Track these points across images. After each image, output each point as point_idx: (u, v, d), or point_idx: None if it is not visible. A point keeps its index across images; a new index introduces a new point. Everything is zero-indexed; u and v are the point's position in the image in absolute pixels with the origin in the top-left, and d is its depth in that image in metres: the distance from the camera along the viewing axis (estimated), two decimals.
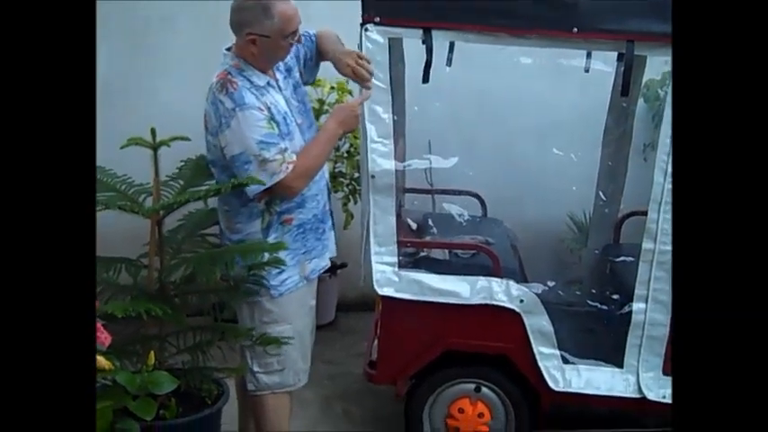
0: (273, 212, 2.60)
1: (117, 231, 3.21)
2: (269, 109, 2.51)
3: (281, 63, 2.65)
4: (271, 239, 2.59)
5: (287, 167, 2.47)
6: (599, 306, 3.15)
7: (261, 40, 2.48)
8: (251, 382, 2.69)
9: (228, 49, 2.61)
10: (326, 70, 4.00)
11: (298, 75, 2.75)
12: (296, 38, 2.56)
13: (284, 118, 2.56)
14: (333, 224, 2.84)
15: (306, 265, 2.68)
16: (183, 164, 2.74)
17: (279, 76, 2.65)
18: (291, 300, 2.66)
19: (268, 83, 2.58)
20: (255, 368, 2.67)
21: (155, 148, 2.56)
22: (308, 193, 2.63)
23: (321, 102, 4.16)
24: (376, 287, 2.83)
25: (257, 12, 2.46)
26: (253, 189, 2.48)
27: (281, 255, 2.54)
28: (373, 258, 2.82)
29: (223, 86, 2.48)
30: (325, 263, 2.79)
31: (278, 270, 2.58)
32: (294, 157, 2.50)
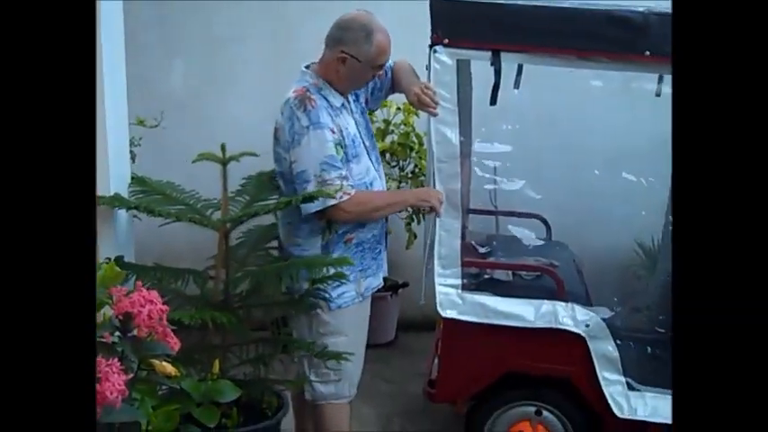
0: (334, 231, 2.65)
1: (182, 244, 3.31)
2: (341, 132, 2.58)
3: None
4: (332, 256, 2.64)
5: (341, 196, 2.52)
6: (667, 333, 3.07)
7: (351, 61, 2.57)
8: (308, 391, 2.74)
9: (307, 67, 2.68)
10: None
11: (363, 101, 2.82)
12: (380, 72, 2.66)
13: (353, 140, 2.62)
14: (386, 245, 2.88)
15: (361, 282, 2.73)
16: (246, 180, 2.80)
17: (350, 98, 2.72)
18: (348, 313, 2.71)
19: (343, 104, 2.65)
20: (312, 377, 2.72)
21: (224, 163, 2.62)
22: None
23: (387, 122, 4.20)
24: (439, 309, 2.82)
25: (359, 34, 2.55)
26: (306, 207, 2.54)
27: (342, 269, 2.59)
28: (437, 280, 2.81)
29: (302, 103, 2.55)
30: (378, 281, 2.84)
31: (336, 284, 2.62)
32: (353, 190, 2.55)
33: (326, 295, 2.64)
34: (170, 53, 4.48)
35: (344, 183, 2.53)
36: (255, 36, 4.48)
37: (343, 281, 2.61)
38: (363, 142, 2.70)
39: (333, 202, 2.52)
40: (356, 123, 2.70)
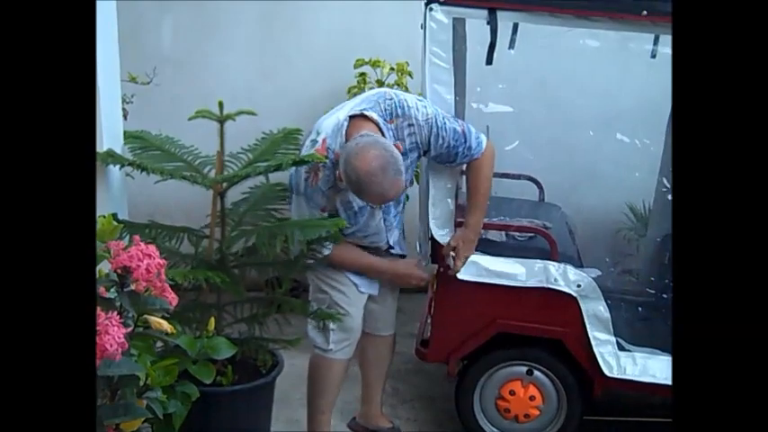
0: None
1: (174, 203, 3.29)
2: (336, 209, 2.63)
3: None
4: None
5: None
6: (657, 294, 3.11)
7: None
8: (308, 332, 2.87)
9: (352, 117, 2.55)
10: (387, 50, 4.02)
11: (416, 155, 2.69)
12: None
13: (359, 210, 2.65)
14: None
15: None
16: (265, 136, 2.77)
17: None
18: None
19: None
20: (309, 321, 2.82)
21: (221, 121, 2.59)
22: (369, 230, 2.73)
23: (380, 82, 4.17)
24: (432, 265, 2.84)
25: (354, 186, 2.45)
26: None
27: None
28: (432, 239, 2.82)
29: (309, 171, 2.56)
30: (367, 289, 2.87)
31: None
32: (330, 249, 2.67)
33: (321, 256, 2.65)
34: (162, 9, 4.41)
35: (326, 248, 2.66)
36: None
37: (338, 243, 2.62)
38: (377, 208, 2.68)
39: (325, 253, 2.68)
40: None
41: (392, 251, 2.86)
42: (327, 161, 2.54)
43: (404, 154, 2.53)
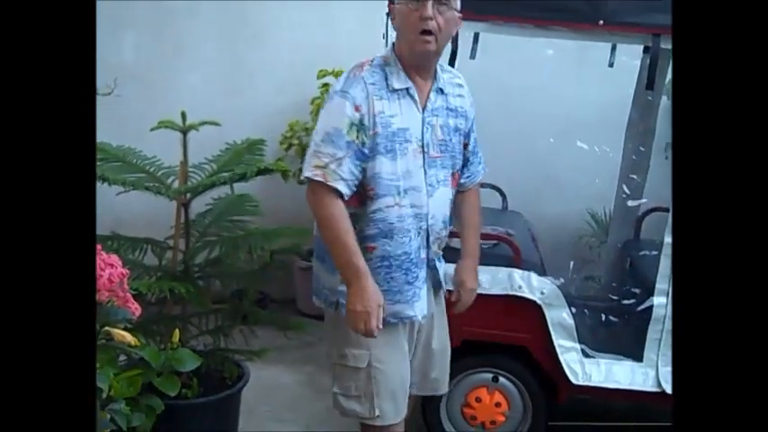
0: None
1: (136, 215, 3.26)
2: (373, 115, 2.15)
3: (450, 96, 2.33)
4: None
5: (319, 175, 2.11)
6: (619, 300, 3.15)
7: (395, 9, 2.23)
8: (334, 403, 2.37)
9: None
10: (349, 60, 4.02)
11: (464, 126, 2.40)
12: (426, 13, 2.14)
13: (393, 134, 2.18)
14: (438, 270, 2.44)
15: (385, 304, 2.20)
16: (228, 146, 2.76)
17: (435, 98, 2.29)
18: None
19: (408, 90, 2.22)
20: (335, 389, 2.34)
21: (184, 131, 2.59)
22: (399, 224, 2.21)
23: None
24: None
25: None
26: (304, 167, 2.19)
27: None
28: None
29: (353, 68, 2.23)
30: (413, 313, 2.31)
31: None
32: (339, 184, 2.11)
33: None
34: (122, 26, 4.39)
35: (333, 166, 2.11)
36: (207, 8, 4.43)
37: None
38: (422, 145, 2.23)
39: (307, 174, 2.14)
40: (422, 121, 2.24)
41: (436, 271, 2.43)
42: (377, 60, 2.24)
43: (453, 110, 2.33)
